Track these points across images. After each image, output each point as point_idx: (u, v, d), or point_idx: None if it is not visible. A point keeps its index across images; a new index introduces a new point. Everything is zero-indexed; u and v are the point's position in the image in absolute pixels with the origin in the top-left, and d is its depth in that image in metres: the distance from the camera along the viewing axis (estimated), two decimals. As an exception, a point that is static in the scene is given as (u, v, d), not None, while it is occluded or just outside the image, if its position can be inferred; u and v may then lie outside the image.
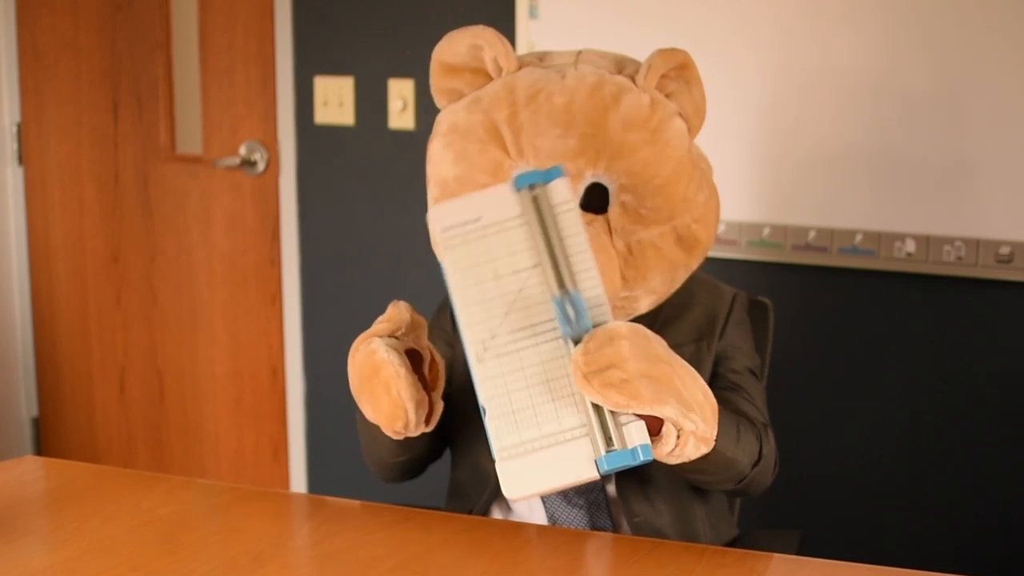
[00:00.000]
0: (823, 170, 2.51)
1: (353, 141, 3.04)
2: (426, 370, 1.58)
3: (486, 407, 1.38)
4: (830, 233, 2.52)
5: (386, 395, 1.47)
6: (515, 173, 1.49)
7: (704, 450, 1.43)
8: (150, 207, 3.37)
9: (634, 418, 1.34)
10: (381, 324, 1.54)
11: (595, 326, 1.37)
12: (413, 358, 1.56)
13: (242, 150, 3.20)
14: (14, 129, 3.50)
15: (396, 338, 1.53)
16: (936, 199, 2.43)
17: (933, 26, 2.39)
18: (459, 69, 1.64)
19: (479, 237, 1.43)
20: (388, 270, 3.05)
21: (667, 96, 1.61)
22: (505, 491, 1.36)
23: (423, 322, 1.58)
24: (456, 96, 1.66)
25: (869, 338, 2.57)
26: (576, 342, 1.37)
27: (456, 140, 1.62)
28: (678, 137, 1.59)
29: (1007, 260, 2.39)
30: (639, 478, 1.67)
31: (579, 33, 2.67)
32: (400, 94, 2.94)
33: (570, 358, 1.36)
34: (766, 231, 2.57)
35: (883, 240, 2.48)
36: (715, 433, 1.43)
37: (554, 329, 1.38)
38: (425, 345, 1.58)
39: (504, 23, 2.76)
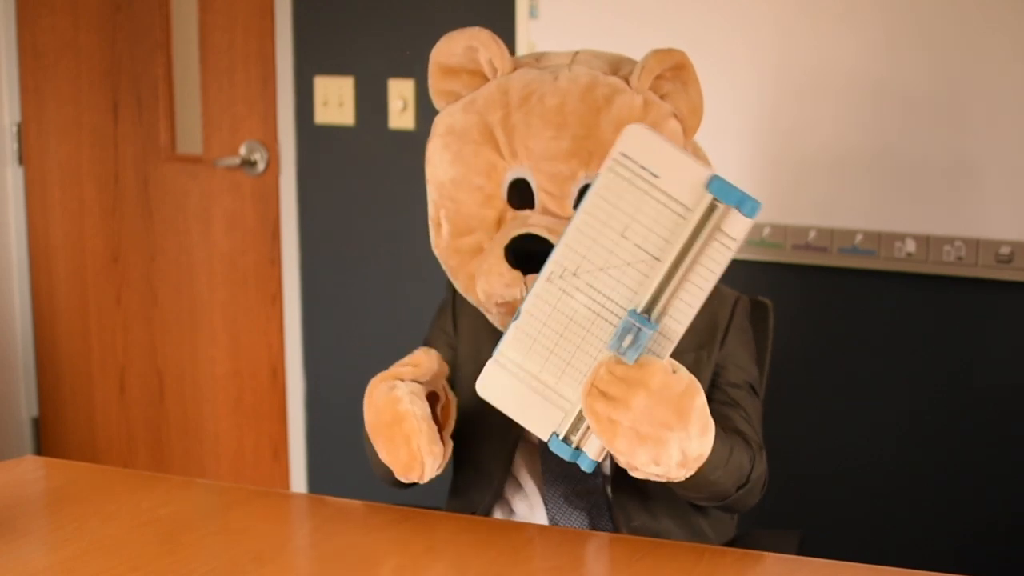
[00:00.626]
0: (823, 170, 2.51)
1: (353, 141, 3.04)
2: (439, 410, 1.61)
3: (521, 316, 1.42)
4: (830, 233, 2.52)
5: (406, 446, 1.49)
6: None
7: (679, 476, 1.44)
8: (150, 207, 3.37)
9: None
10: (406, 368, 1.56)
11: (648, 350, 1.38)
12: (430, 398, 1.59)
13: (242, 150, 3.20)
14: (14, 129, 3.50)
15: (420, 383, 1.55)
16: (936, 199, 2.43)
17: (933, 26, 2.39)
18: (456, 71, 1.65)
19: (642, 190, 1.38)
20: (388, 270, 3.05)
21: (662, 97, 1.60)
22: (478, 384, 1.44)
23: (446, 370, 1.62)
24: (454, 98, 1.66)
25: (869, 338, 2.57)
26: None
27: (453, 141, 1.62)
28: (671, 138, 1.58)
29: (1007, 260, 2.39)
30: (635, 484, 1.66)
31: (579, 33, 2.67)
32: (400, 94, 2.94)
33: (604, 344, 1.39)
34: (766, 231, 2.57)
35: (883, 240, 2.48)
36: (687, 473, 1.43)
37: (618, 316, 1.39)
38: (442, 387, 1.61)
39: (504, 23, 2.76)
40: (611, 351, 1.38)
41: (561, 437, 1.41)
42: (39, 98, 3.46)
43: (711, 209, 1.37)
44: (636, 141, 1.39)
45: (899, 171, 2.45)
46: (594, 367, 1.38)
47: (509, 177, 1.60)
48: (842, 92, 2.47)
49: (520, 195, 1.60)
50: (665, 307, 1.38)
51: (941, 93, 2.40)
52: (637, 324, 1.37)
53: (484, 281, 1.58)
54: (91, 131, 3.41)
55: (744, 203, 1.37)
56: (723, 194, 1.37)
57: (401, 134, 2.96)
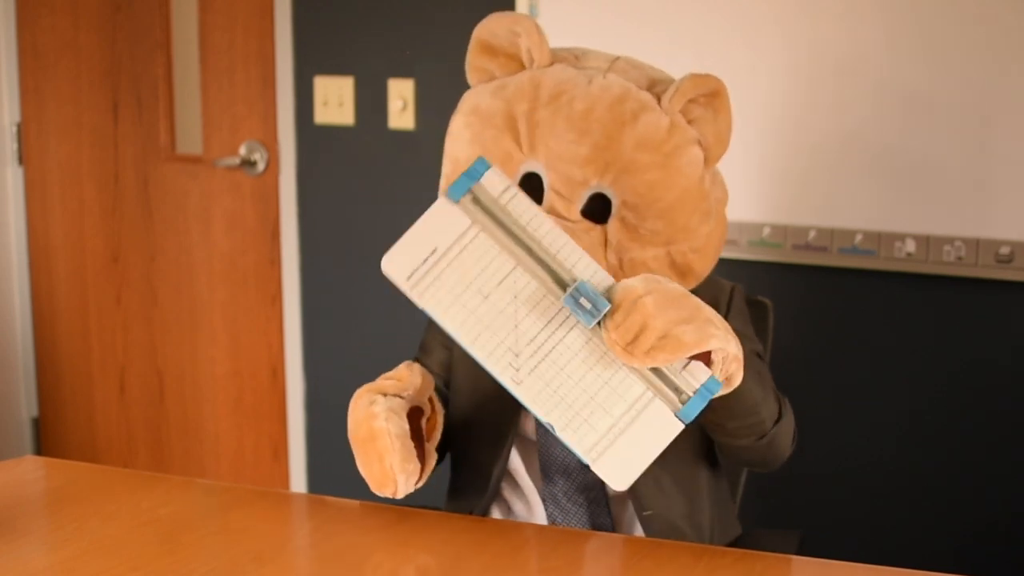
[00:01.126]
0: (823, 170, 2.51)
1: (353, 141, 3.04)
2: (424, 422, 1.61)
3: (551, 423, 1.38)
4: (830, 233, 2.52)
5: (379, 463, 1.50)
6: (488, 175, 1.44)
7: (741, 373, 1.42)
8: (150, 207, 3.37)
9: (687, 360, 1.37)
10: (388, 382, 1.56)
11: (608, 297, 1.38)
12: (413, 414, 1.58)
13: (242, 150, 3.20)
14: (14, 129, 3.50)
15: (401, 397, 1.55)
16: (936, 199, 2.43)
17: (933, 26, 2.39)
18: (495, 50, 1.64)
19: (446, 267, 1.39)
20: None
21: (691, 122, 1.59)
22: (614, 486, 1.38)
23: (431, 382, 1.62)
24: (488, 76, 1.66)
25: (869, 338, 2.57)
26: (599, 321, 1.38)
27: (476, 122, 1.62)
28: (691, 165, 1.58)
29: (1007, 260, 2.39)
30: (656, 472, 1.66)
31: (579, 33, 2.66)
32: (400, 94, 2.94)
33: (599, 337, 1.38)
34: (766, 231, 2.57)
35: (883, 240, 2.48)
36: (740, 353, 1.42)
37: (569, 316, 1.38)
38: (426, 401, 1.61)
39: (504, 23, 2.75)
40: (589, 323, 1.37)
41: (681, 407, 1.37)
42: (39, 98, 3.46)
43: (476, 200, 1.40)
44: (397, 262, 1.40)
45: (899, 171, 2.45)
46: (606, 346, 1.37)
47: (523, 169, 1.60)
48: (842, 92, 2.47)
49: (531, 189, 1.59)
50: (568, 272, 1.39)
51: (941, 93, 2.40)
52: (572, 294, 1.37)
53: None
54: (91, 131, 3.41)
55: (474, 171, 1.40)
56: (464, 188, 1.40)
57: (401, 134, 2.96)
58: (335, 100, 3.03)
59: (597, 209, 1.58)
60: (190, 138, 3.32)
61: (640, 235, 1.58)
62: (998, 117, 2.36)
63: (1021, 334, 2.45)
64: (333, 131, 3.06)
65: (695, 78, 1.57)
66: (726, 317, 1.71)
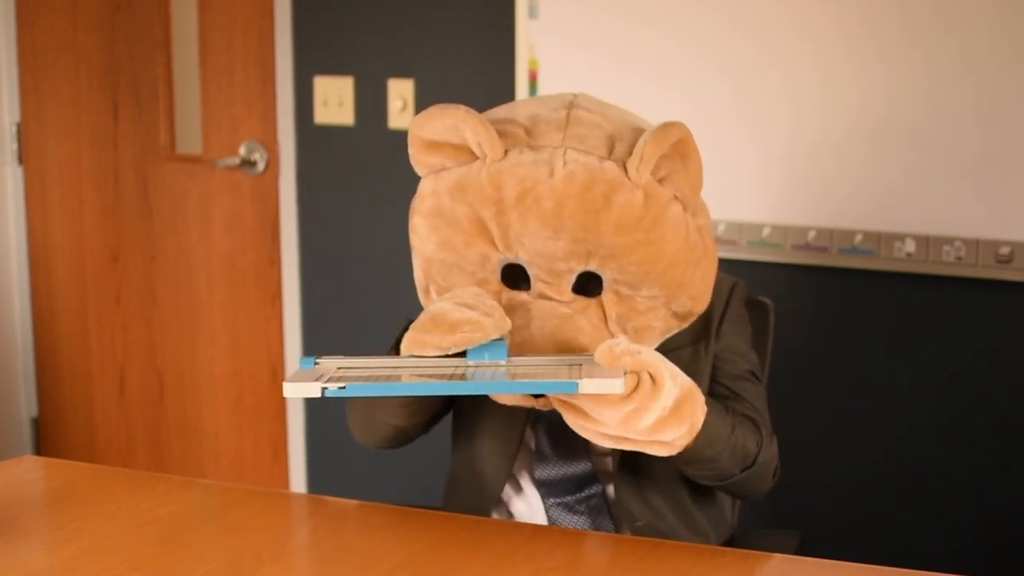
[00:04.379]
0: (823, 170, 2.51)
1: (353, 141, 3.04)
2: None
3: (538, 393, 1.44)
4: (830, 233, 2.52)
5: (450, 330, 1.46)
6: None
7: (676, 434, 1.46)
8: (150, 207, 3.37)
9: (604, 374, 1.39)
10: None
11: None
12: None
13: (242, 150, 3.20)
14: (14, 129, 3.50)
15: None
16: (936, 199, 2.43)
17: (931, 27, 2.39)
18: (439, 145, 1.57)
19: (353, 367, 1.45)
20: (388, 270, 3.05)
21: (662, 180, 1.54)
22: (616, 389, 1.37)
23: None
24: (438, 167, 1.58)
25: (869, 338, 2.57)
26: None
27: (441, 226, 1.56)
28: (674, 228, 1.54)
29: (1007, 260, 2.39)
30: (637, 482, 1.67)
31: (579, 33, 2.67)
32: (400, 94, 2.94)
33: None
34: (766, 231, 2.57)
35: (883, 240, 2.48)
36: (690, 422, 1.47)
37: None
38: None
39: (504, 23, 2.76)
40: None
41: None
42: (38, 98, 3.46)
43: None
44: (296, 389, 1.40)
45: (899, 171, 2.45)
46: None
47: (503, 263, 1.56)
48: (842, 92, 2.47)
49: (514, 276, 1.57)
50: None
51: (940, 93, 2.40)
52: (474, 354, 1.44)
53: (497, 395, 1.57)
54: (91, 131, 3.41)
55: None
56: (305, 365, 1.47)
57: (401, 134, 2.95)
58: (335, 100, 3.03)
59: (588, 284, 1.55)
60: (190, 138, 3.32)
61: (637, 303, 1.55)
62: (998, 117, 2.36)
63: (1021, 334, 2.45)
64: (333, 131, 3.06)
65: (656, 137, 1.50)
66: (720, 326, 1.70)
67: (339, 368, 1.45)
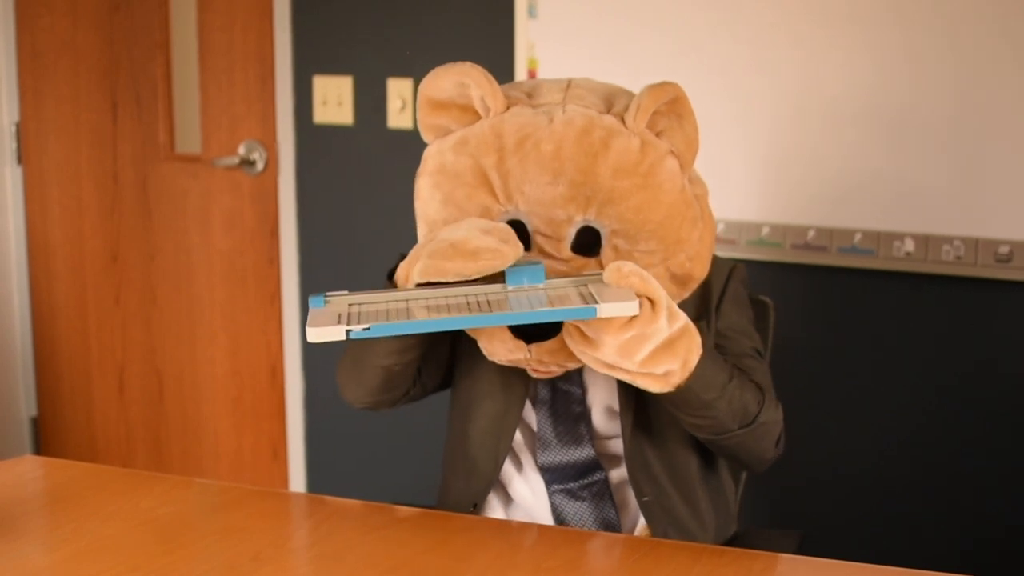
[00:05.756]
0: (822, 169, 2.51)
1: (352, 140, 3.04)
2: None
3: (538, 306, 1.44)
4: (829, 232, 2.52)
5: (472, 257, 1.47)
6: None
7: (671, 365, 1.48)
8: (149, 207, 3.37)
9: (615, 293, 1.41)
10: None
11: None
12: None
13: (241, 150, 3.20)
14: (13, 129, 3.49)
15: None
16: (935, 199, 2.43)
17: (931, 28, 2.39)
18: (446, 105, 1.62)
19: (363, 302, 1.48)
20: (387, 269, 3.04)
21: (659, 134, 1.58)
22: (631, 311, 1.39)
23: None
24: (443, 132, 1.63)
25: (868, 337, 2.57)
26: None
27: (444, 182, 1.61)
28: (671, 179, 1.57)
29: (1006, 260, 2.39)
30: (645, 459, 1.67)
31: (578, 33, 2.67)
32: (399, 93, 2.94)
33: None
34: (765, 230, 2.57)
35: (882, 239, 2.48)
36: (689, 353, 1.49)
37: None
38: None
39: (504, 23, 2.76)
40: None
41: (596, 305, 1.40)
42: (38, 98, 3.46)
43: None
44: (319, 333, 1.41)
45: (899, 171, 2.45)
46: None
47: (503, 219, 1.58)
48: (841, 91, 2.47)
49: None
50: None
51: (940, 93, 2.40)
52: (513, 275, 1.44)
53: (487, 343, 1.58)
54: (90, 131, 3.41)
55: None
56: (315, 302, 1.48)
57: (400, 133, 2.96)
58: (334, 99, 3.03)
59: (587, 242, 1.57)
60: (189, 138, 3.32)
61: (635, 258, 1.57)
62: (998, 117, 2.36)
63: (1020, 334, 2.45)
64: (332, 131, 3.06)
65: (652, 90, 1.56)
66: (720, 304, 1.70)
67: (350, 305, 1.46)
